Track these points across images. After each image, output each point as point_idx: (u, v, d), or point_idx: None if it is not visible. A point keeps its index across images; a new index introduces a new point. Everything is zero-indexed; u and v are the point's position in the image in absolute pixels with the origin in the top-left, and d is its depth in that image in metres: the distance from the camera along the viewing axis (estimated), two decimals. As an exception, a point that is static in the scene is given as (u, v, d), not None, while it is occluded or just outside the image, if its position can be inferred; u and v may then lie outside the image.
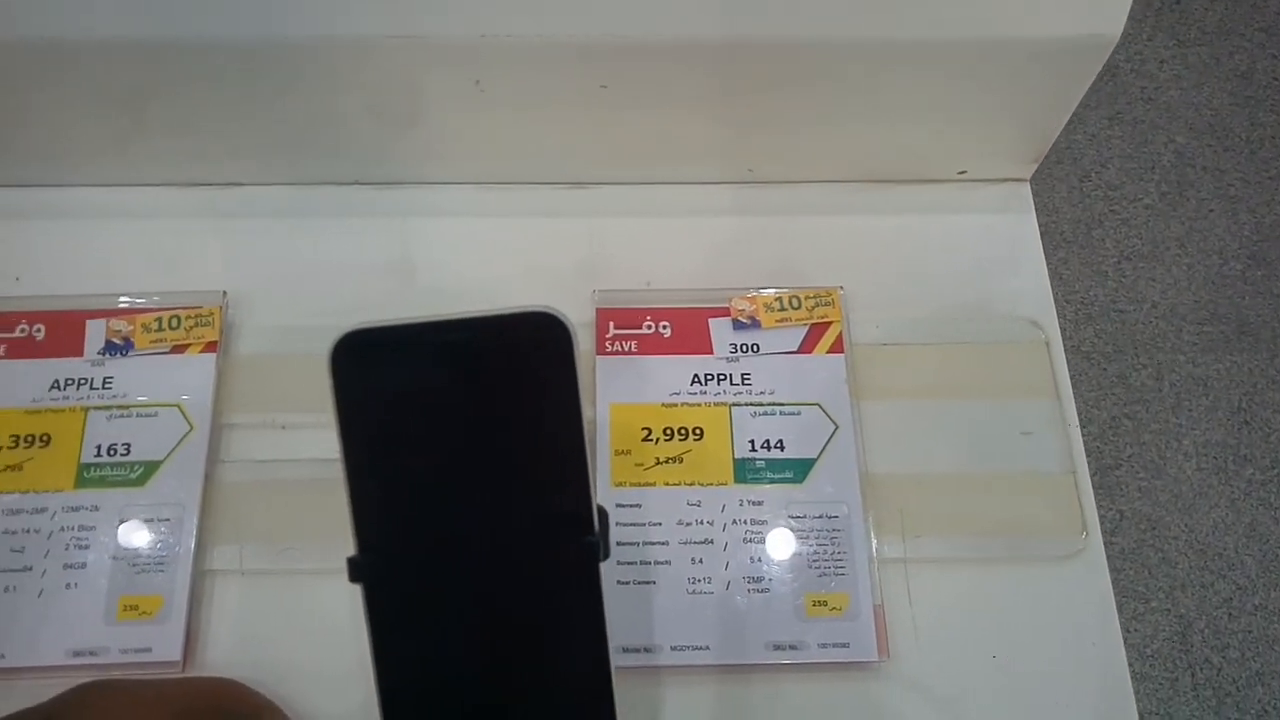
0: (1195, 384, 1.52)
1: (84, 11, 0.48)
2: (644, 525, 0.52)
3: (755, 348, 0.55)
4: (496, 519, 0.37)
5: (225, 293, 0.56)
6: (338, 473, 0.49)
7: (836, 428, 0.53)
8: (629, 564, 0.50)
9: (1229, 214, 1.62)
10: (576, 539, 0.37)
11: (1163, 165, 1.67)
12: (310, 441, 0.54)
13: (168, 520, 0.52)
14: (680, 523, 0.52)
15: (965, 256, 0.58)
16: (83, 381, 0.54)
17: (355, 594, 0.49)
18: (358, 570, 0.37)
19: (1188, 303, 1.56)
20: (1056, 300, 0.57)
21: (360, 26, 0.48)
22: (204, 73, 0.51)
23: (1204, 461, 1.47)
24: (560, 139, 0.56)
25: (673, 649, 0.49)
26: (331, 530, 0.50)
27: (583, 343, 0.45)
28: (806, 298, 0.56)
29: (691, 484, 0.52)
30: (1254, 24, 1.77)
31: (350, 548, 0.36)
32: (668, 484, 0.52)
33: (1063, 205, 1.64)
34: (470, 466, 0.37)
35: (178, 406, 0.54)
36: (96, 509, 0.52)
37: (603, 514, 0.37)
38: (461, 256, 0.58)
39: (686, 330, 0.56)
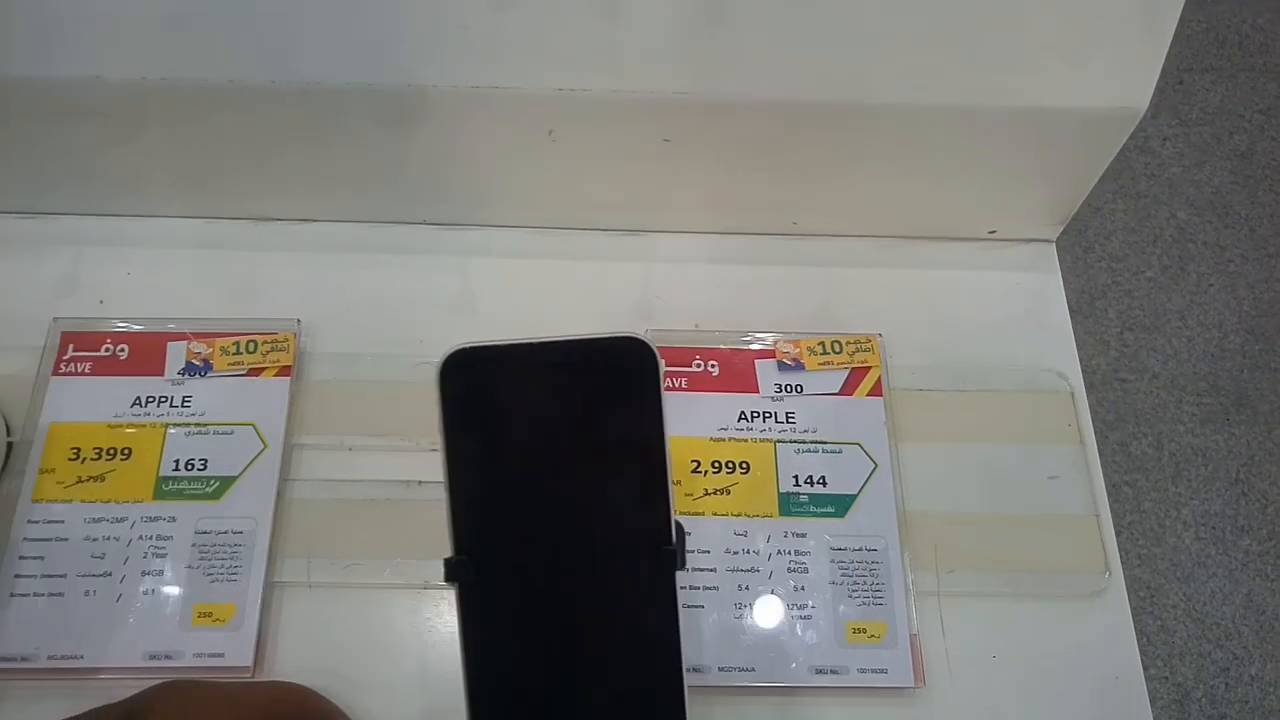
0: (1194, 454, 1.56)
1: (171, 56, 0.52)
2: (693, 552, 0.54)
3: (799, 388, 0.59)
4: (584, 528, 0.40)
5: (299, 320, 0.59)
6: (401, 493, 0.53)
7: (876, 466, 0.57)
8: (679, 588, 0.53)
9: (1228, 289, 1.67)
10: (657, 548, 0.39)
11: (1165, 239, 1.72)
12: (375, 463, 0.57)
13: (241, 533, 0.54)
14: (728, 550, 0.55)
15: (995, 311, 0.62)
16: (163, 399, 0.57)
17: (416, 608, 0.53)
18: (453, 571, 0.39)
19: (1188, 374, 1.60)
20: (1057, 367, 0.61)
21: (447, 77, 0.53)
22: (285, 116, 0.55)
23: (1202, 531, 1.50)
24: (621, 187, 0.60)
25: (720, 670, 0.52)
26: (394, 547, 0.54)
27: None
28: (847, 343, 0.59)
29: (739, 514, 0.55)
30: (1254, 106, 1.84)
31: (439, 554, 0.39)
32: (716, 514, 0.55)
33: (1067, 275, 1.68)
34: (561, 478, 0.40)
35: (252, 426, 0.57)
36: (174, 520, 0.55)
37: (680, 529, 0.40)
38: (521, 296, 0.62)
39: (733, 370, 0.59)
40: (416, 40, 0.52)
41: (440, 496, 0.39)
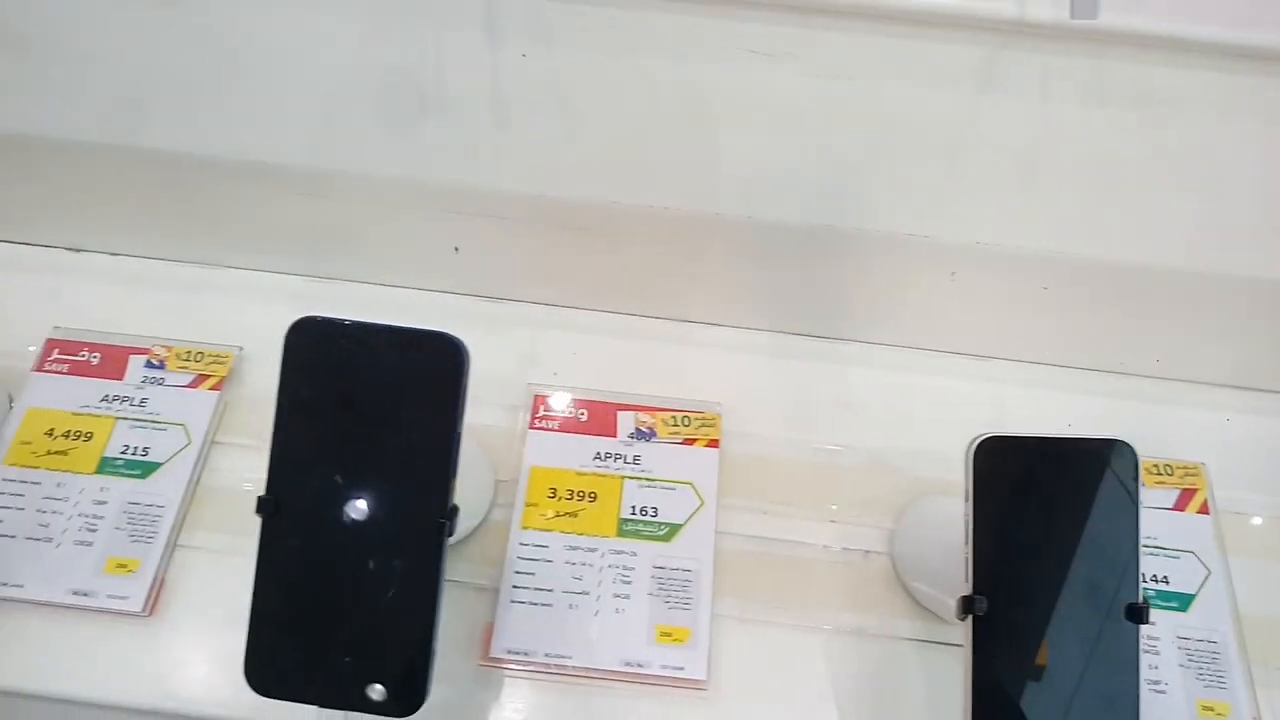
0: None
1: (649, 187, 0.69)
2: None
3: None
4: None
5: (720, 404, 0.74)
6: (810, 554, 0.66)
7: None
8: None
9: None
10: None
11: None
12: (786, 526, 0.70)
13: (689, 571, 0.67)
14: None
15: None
16: (619, 456, 0.71)
17: (827, 649, 0.64)
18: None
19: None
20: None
21: (884, 223, 0.68)
22: (744, 244, 0.71)
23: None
24: (1005, 320, 0.75)
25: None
26: (808, 597, 0.66)
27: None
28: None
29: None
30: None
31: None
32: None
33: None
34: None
35: (691, 485, 0.71)
36: (635, 555, 0.68)
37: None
38: (894, 402, 0.76)
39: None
40: (865, 190, 0.67)
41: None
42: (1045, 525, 0.52)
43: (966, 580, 0.52)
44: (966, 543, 0.52)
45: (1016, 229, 0.67)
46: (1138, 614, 0.51)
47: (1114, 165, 0.63)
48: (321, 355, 0.51)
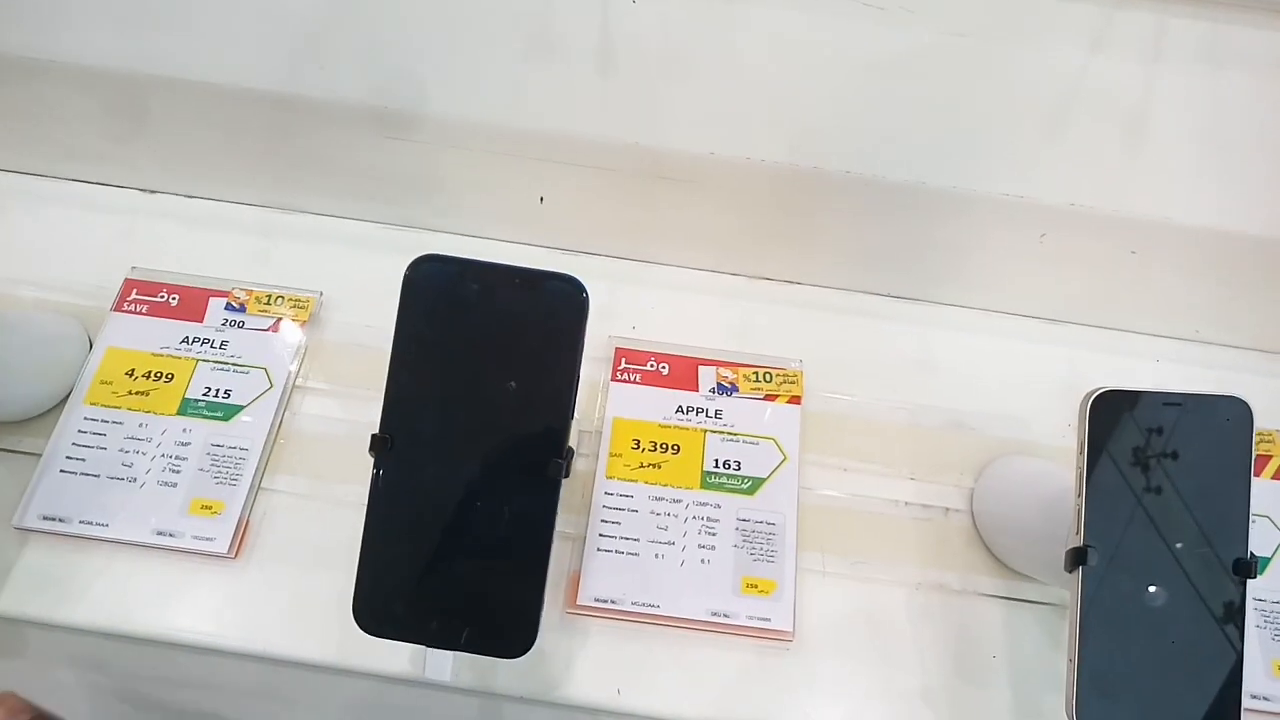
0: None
1: (750, 140, 0.68)
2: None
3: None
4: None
5: (802, 360, 0.73)
6: (889, 510, 0.66)
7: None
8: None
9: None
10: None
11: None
12: (867, 483, 0.70)
13: (773, 524, 0.67)
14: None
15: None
16: (700, 410, 0.71)
17: (908, 601, 0.65)
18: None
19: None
20: None
21: (979, 184, 0.68)
22: (839, 200, 0.70)
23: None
24: (1081, 286, 0.75)
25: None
26: (889, 552, 0.66)
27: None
28: None
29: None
30: None
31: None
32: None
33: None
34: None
35: (773, 440, 0.71)
36: (719, 507, 0.68)
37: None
38: (970, 364, 0.76)
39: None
40: (962, 148, 0.67)
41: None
42: (1155, 478, 0.52)
43: (1077, 532, 0.52)
44: (1078, 495, 0.52)
45: (1113, 192, 0.67)
46: (1245, 569, 0.51)
47: (1220, 131, 0.63)
48: (441, 293, 0.50)
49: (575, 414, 0.51)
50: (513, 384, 0.51)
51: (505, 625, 0.51)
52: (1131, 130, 0.63)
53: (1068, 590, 0.54)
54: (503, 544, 0.51)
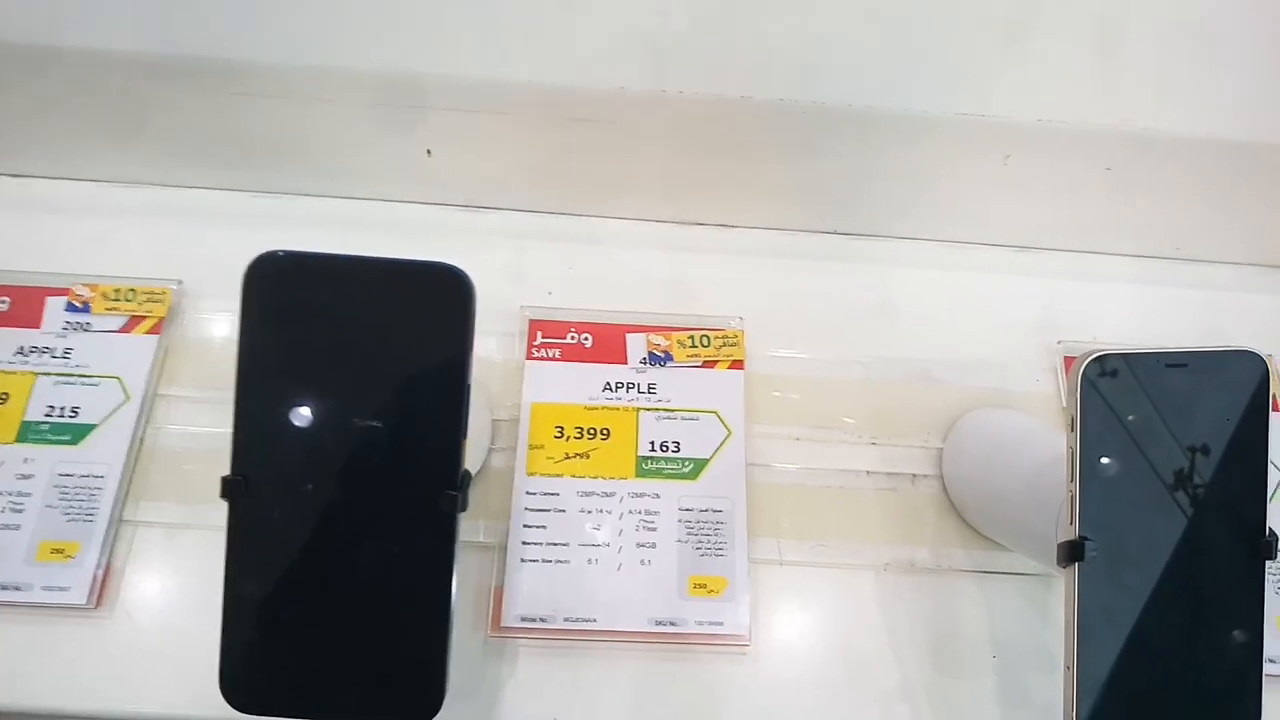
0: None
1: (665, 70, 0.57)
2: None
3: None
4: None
5: (743, 318, 0.64)
6: (851, 481, 0.58)
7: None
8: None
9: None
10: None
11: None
12: (824, 453, 0.62)
13: (720, 511, 0.59)
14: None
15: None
16: (631, 385, 0.62)
17: (877, 585, 0.57)
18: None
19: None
20: None
21: (926, 103, 0.58)
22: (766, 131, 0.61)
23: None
24: (1065, 211, 0.66)
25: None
26: (853, 531, 0.58)
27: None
28: None
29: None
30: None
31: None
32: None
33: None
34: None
35: (715, 414, 0.62)
36: (658, 496, 0.59)
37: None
38: (934, 304, 0.67)
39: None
40: (912, 65, 0.58)
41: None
42: (1158, 454, 0.44)
43: (1071, 522, 0.44)
44: (1070, 479, 0.44)
45: (1083, 105, 0.58)
46: (1267, 550, 0.44)
47: (1197, 31, 0.55)
48: (290, 298, 0.41)
49: (470, 426, 0.42)
50: (390, 403, 0.41)
51: (405, 686, 0.42)
52: (1102, 35, 0.55)
53: (1053, 568, 0.47)
54: (395, 593, 0.42)
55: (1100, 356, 0.44)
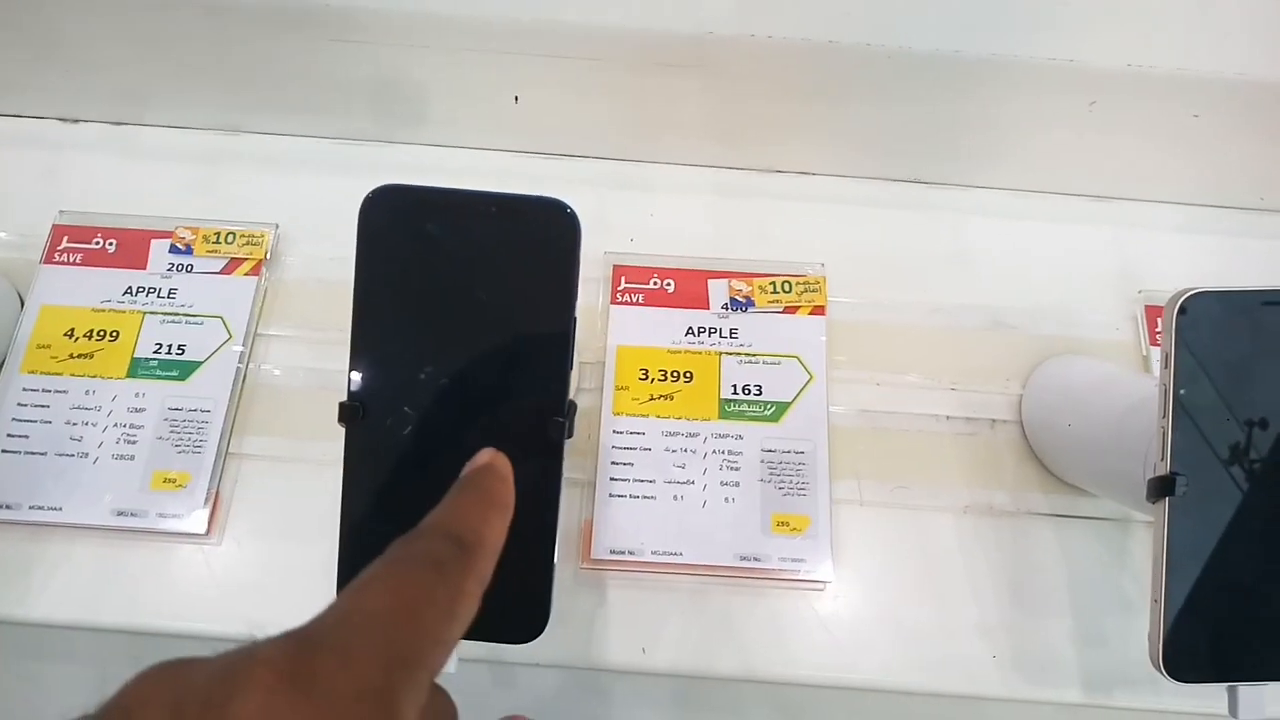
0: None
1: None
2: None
3: None
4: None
5: (823, 264, 0.65)
6: (930, 425, 0.59)
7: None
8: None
9: None
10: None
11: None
12: (904, 398, 0.63)
13: (802, 453, 0.60)
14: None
15: None
16: (713, 330, 0.63)
17: (958, 528, 0.58)
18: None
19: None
20: None
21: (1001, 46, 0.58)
22: (837, 75, 0.61)
23: None
24: (1153, 157, 0.65)
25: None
26: (932, 474, 0.59)
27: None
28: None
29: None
30: None
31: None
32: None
33: None
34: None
35: (797, 359, 0.63)
36: (740, 437, 0.61)
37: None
38: (1006, 254, 0.67)
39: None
40: (999, 10, 0.57)
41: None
42: (1252, 393, 0.45)
43: (1162, 458, 0.45)
44: (1163, 416, 0.45)
45: (1173, 49, 0.58)
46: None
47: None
48: (403, 231, 0.42)
49: (575, 358, 0.43)
50: (499, 333, 0.42)
51: (512, 609, 0.44)
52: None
53: (1139, 507, 0.48)
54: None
55: (1196, 294, 0.45)
